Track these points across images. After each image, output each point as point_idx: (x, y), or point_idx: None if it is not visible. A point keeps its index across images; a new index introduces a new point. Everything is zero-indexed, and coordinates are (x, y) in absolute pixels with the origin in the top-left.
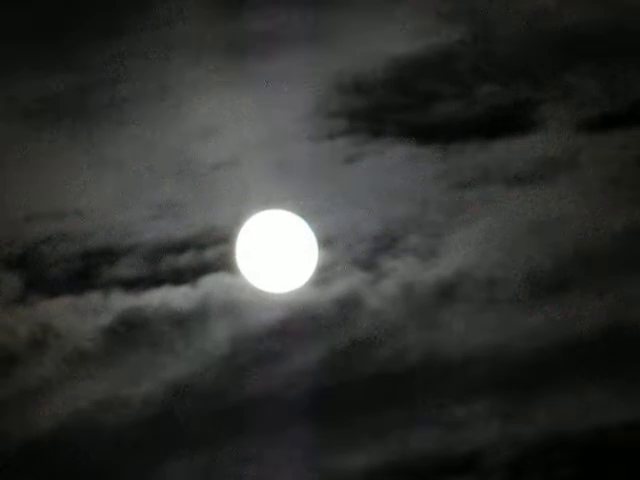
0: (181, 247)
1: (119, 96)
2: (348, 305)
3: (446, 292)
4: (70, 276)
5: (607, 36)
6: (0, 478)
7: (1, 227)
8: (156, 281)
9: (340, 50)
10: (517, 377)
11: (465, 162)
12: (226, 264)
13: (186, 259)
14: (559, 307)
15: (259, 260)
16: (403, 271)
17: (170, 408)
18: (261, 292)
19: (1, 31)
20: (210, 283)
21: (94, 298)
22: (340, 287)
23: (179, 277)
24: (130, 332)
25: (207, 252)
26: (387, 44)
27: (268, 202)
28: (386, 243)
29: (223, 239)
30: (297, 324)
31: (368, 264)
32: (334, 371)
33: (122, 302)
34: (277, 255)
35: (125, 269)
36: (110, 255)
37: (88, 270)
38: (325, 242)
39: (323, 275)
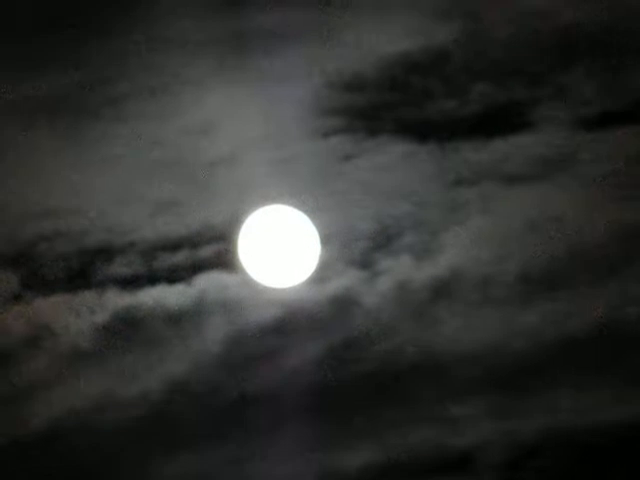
0: (178, 245)
1: (116, 94)
2: (344, 303)
3: (442, 290)
4: (66, 274)
5: (601, 35)
6: None
7: None
8: (152, 279)
9: (337, 48)
10: (512, 375)
11: (462, 160)
12: (224, 261)
13: (183, 257)
14: (553, 305)
15: (258, 257)
16: (399, 269)
17: (166, 406)
18: (258, 290)
19: None
20: (206, 281)
21: (90, 296)
22: (336, 285)
23: (176, 275)
24: (126, 330)
25: (204, 250)
26: (384, 43)
27: (265, 199)
28: (382, 241)
29: (220, 236)
30: (293, 322)
31: (364, 262)
32: (330, 369)
33: (118, 300)
34: (277, 252)
35: (122, 267)
36: (107, 253)
37: (84, 268)
38: (321, 240)
39: (319, 273)
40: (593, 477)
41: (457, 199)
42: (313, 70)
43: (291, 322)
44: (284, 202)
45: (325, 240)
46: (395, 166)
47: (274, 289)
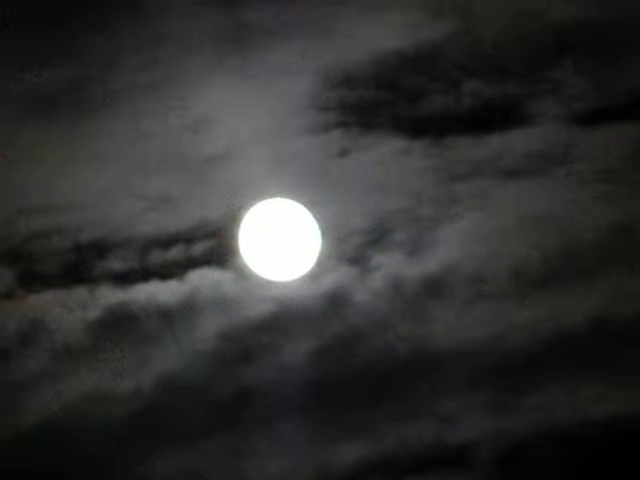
0: (173, 240)
1: (111, 89)
2: (338, 299)
3: (436, 286)
4: (60, 270)
5: (594, 31)
6: None
7: None
8: (146, 275)
9: (332, 44)
10: (506, 371)
11: (457, 156)
12: (218, 257)
13: (178, 252)
14: (548, 301)
15: (256, 252)
16: (392, 265)
17: (159, 402)
18: (252, 286)
19: None
20: (200, 277)
21: (83, 292)
22: (330, 281)
23: (170, 271)
24: (119, 326)
25: (200, 245)
26: (378, 39)
27: (261, 195)
28: (376, 237)
29: (216, 232)
30: (286, 318)
31: (358, 258)
32: (323, 365)
33: (111, 296)
34: (276, 247)
35: (116, 263)
36: (101, 249)
37: (80, 264)
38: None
39: (313, 269)
40: (588, 472)
41: (452, 195)
42: (307, 66)
43: (284, 318)
44: (279, 197)
45: (320, 235)
46: (390, 162)
47: (270, 284)
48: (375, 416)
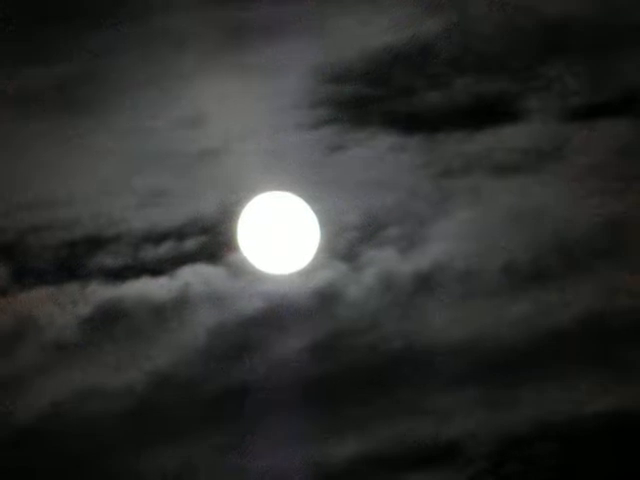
0: (166, 236)
1: (105, 86)
2: (329, 295)
3: (428, 282)
4: (52, 266)
5: (587, 28)
6: None
7: None
8: (139, 271)
9: (325, 40)
10: (499, 366)
11: (450, 152)
12: (212, 253)
13: (170, 248)
14: (541, 297)
15: (251, 247)
16: (385, 261)
17: (150, 398)
18: (244, 281)
19: None
20: (191, 273)
21: (75, 288)
22: (321, 277)
23: (162, 267)
24: (111, 322)
25: (192, 241)
26: (370, 35)
27: (254, 190)
28: (368, 233)
29: (209, 228)
30: (277, 314)
31: (351, 254)
32: (315, 361)
33: (103, 292)
34: (274, 241)
35: (108, 259)
36: (95, 244)
37: (73, 259)
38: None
39: (308, 264)
40: (581, 467)
41: (445, 190)
42: (300, 62)
43: (276, 314)
44: (273, 192)
45: (318, 230)
46: (383, 157)
47: (266, 278)
48: (367, 412)
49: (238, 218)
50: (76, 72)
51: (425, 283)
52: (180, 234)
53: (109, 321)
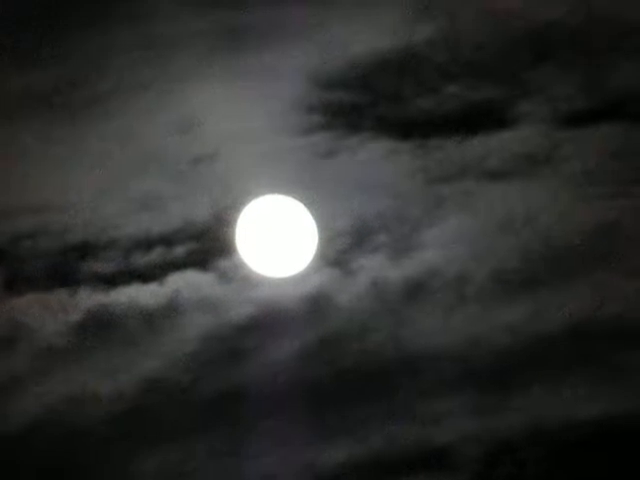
0: (158, 242)
1: (99, 90)
2: (320, 301)
3: (418, 288)
4: (44, 272)
5: (578, 34)
6: None
7: None
8: (130, 277)
9: (318, 46)
10: (490, 372)
11: (443, 158)
12: (207, 259)
13: (163, 254)
14: (531, 303)
15: (241, 253)
16: (376, 267)
17: (142, 404)
18: (235, 287)
19: None
20: (182, 278)
21: (65, 294)
22: (312, 283)
23: (153, 272)
24: (102, 328)
25: (187, 246)
26: (363, 41)
27: (248, 195)
28: (360, 239)
29: (201, 234)
30: (268, 321)
31: (342, 260)
32: (306, 367)
33: (95, 298)
34: (270, 246)
35: (102, 264)
36: (87, 250)
37: (64, 266)
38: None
39: (297, 270)
40: (572, 472)
41: (438, 196)
42: (293, 67)
43: (267, 320)
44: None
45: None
46: (376, 163)
47: (257, 283)
48: (359, 417)
49: (231, 223)
50: (68, 77)
51: (416, 289)
52: (172, 240)
53: (100, 327)
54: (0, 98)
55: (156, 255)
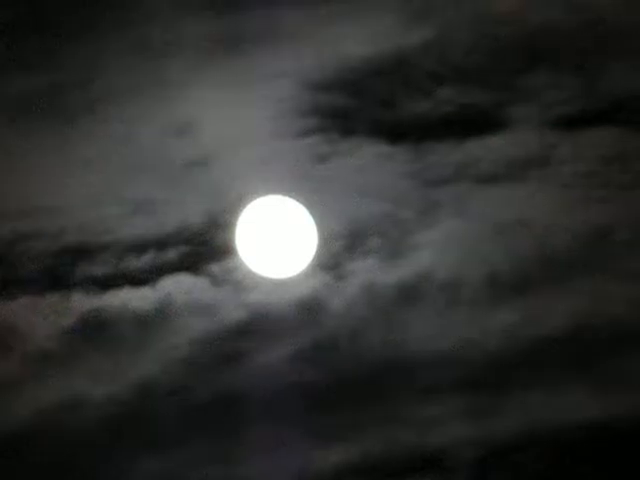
0: (151, 246)
1: (93, 94)
2: (312, 305)
3: (410, 292)
4: (37, 276)
5: (572, 37)
6: None
7: None
8: (123, 280)
9: (311, 49)
10: (483, 376)
11: (435, 162)
12: (196, 263)
13: (156, 258)
14: (525, 306)
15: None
16: (370, 271)
17: (134, 408)
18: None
19: None
20: (175, 282)
21: (58, 298)
22: (305, 287)
23: (146, 276)
24: (94, 332)
25: (179, 250)
26: (357, 45)
27: (241, 199)
28: (353, 243)
29: (195, 237)
30: (261, 324)
31: (334, 264)
32: (299, 371)
33: (88, 302)
34: (260, 251)
35: (95, 268)
36: (80, 254)
37: (58, 269)
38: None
39: (290, 274)
40: (566, 476)
41: (431, 200)
42: (286, 71)
43: (259, 324)
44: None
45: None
46: (369, 167)
47: (249, 287)
48: (351, 422)
49: (225, 227)
50: (63, 81)
51: (409, 293)
52: (166, 243)
53: (92, 331)
54: None
55: (149, 259)
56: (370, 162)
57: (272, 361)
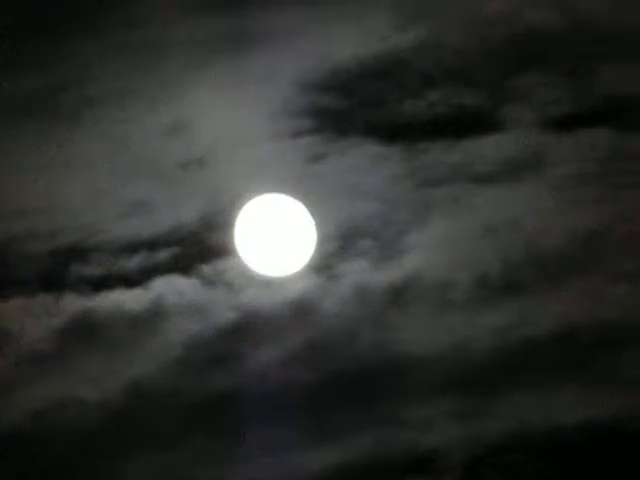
0: (145, 246)
1: (88, 95)
2: (304, 306)
3: (402, 293)
4: (30, 277)
5: (565, 39)
6: None
7: None
8: (116, 281)
9: (306, 50)
10: (474, 377)
11: (429, 162)
12: (187, 264)
13: (150, 258)
14: (515, 308)
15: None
16: (360, 272)
17: (127, 409)
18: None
19: None
20: (166, 283)
21: (50, 299)
22: (297, 288)
23: (139, 277)
24: (85, 333)
25: (172, 250)
26: (351, 46)
27: (236, 199)
28: (346, 243)
29: (189, 238)
30: (253, 325)
31: (327, 265)
32: (291, 372)
33: (80, 302)
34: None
35: (89, 269)
36: (75, 255)
37: (51, 270)
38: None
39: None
40: (557, 476)
41: (424, 201)
42: (282, 72)
43: (251, 325)
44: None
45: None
46: (363, 167)
47: (242, 288)
48: (343, 422)
49: (221, 227)
50: (59, 82)
51: (400, 294)
52: (158, 244)
53: (84, 332)
54: None
55: (141, 259)
56: (364, 162)
57: (265, 361)
